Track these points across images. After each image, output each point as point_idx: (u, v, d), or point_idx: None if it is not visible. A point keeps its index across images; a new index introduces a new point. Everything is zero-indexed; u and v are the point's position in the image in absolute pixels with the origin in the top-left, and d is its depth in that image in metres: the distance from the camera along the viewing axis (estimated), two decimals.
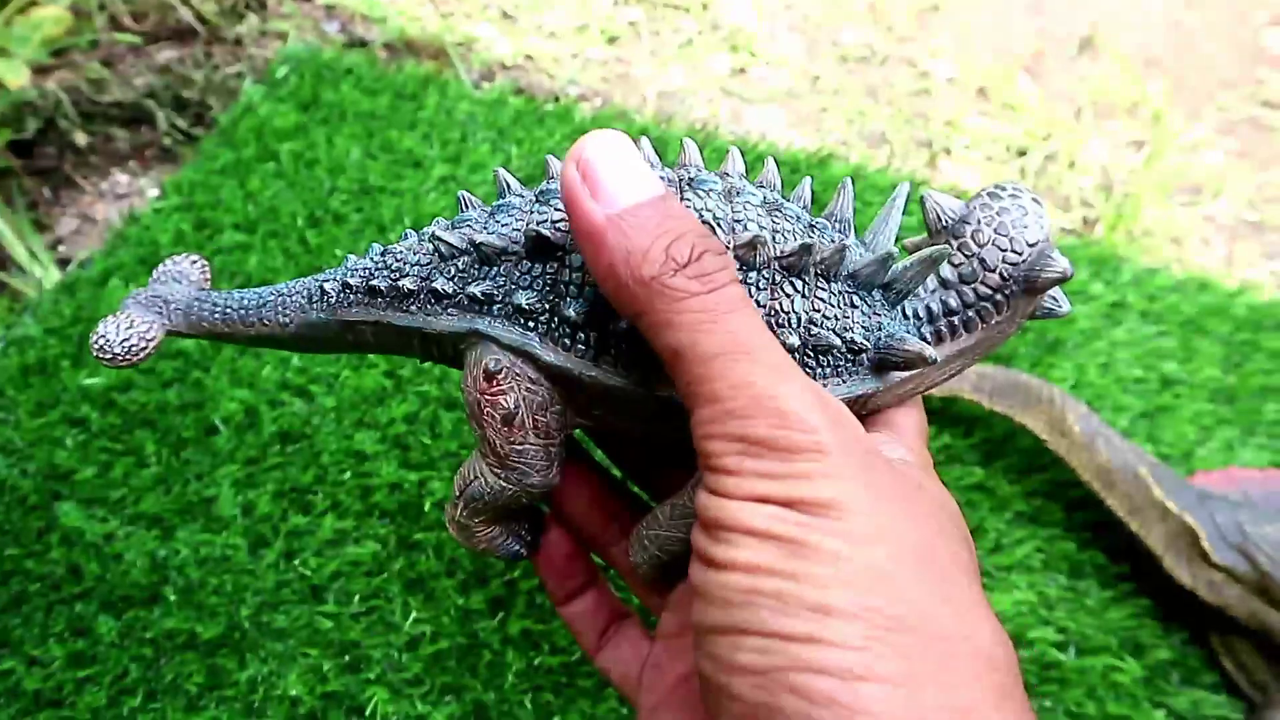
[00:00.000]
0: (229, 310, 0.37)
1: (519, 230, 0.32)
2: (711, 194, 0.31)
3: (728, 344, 0.25)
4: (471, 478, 0.35)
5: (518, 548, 0.39)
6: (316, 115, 0.81)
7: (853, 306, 0.32)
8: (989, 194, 0.33)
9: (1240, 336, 0.74)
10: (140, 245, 0.70)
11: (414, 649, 0.54)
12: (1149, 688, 0.56)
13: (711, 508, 0.26)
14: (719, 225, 0.31)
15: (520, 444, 0.33)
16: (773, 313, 0.31)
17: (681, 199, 0.31)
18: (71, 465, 0.59)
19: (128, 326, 0.35)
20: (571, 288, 0.31)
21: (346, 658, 0.53)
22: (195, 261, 0.39)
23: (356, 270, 0.35)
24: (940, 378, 0.35)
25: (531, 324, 0.32)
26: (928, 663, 0.24)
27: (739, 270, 0.30)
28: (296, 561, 0.56)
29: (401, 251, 0.34)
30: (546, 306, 0.32)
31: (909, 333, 0.33)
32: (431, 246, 0.34)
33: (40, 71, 0.85)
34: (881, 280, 0.32)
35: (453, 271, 0.33)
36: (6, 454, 0.59)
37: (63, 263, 0.75)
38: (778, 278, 0.31)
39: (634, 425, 0.34)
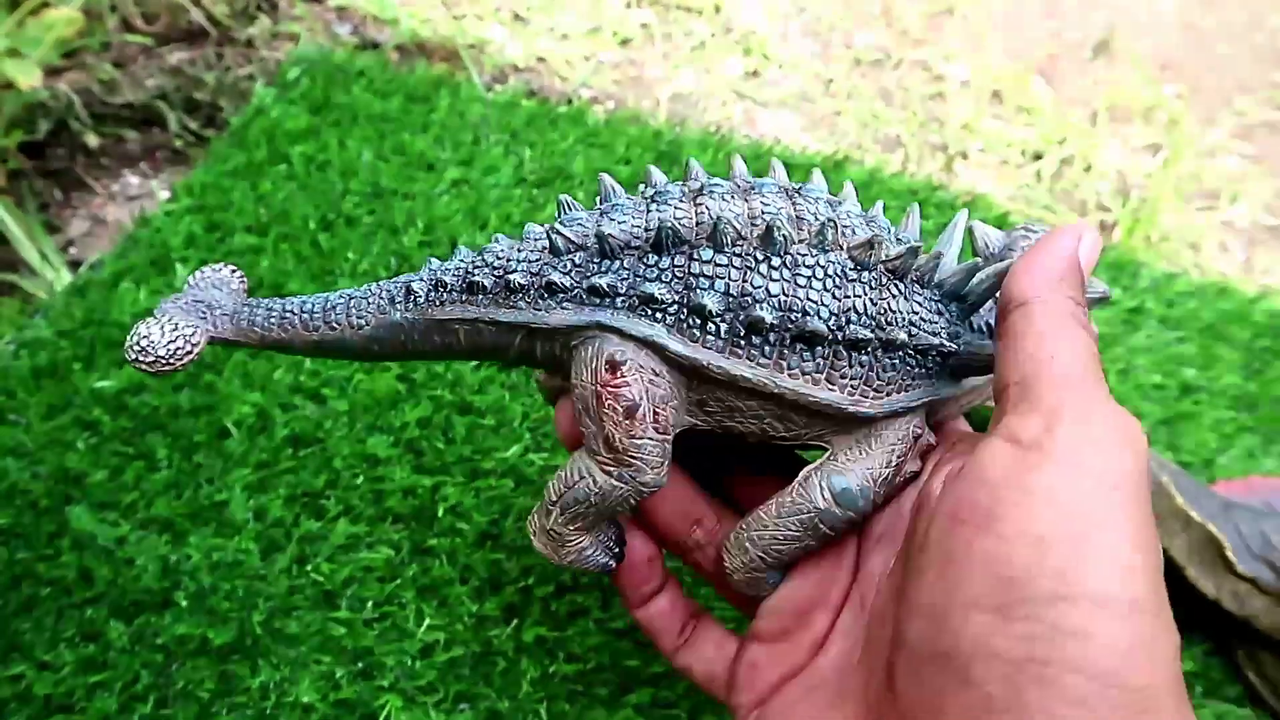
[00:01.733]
0: (288, 314, 0.36)
1: (639, 226, 0.33)
2: (819, 201, 0.34)
3: (1090, 354, 0.29)
4: (576, 478, 0.35)
5: (606, 559, 0.38)
6: (328, 117, 0.80)
7: (939, 315, 0.34)
8: (1025, 228, 0.37)
9: (1261, 343, 0.74)
10: (151, 247, 0.70)
11: (428, 656, 0.53)
12: None
13: (1024, 462, 0.26)
14: (836, 226, 0.33)
15: (640, 438, 0.33)
16: (883, 310, 0.33)
17: (794, 206, 0.33)
18: (83, 468, 0.58)
19: (172, 329, 0.34)
20: (704, 280, 0.32)
21: (359, 665, 0.53)
22: (235, 271, 0.38)
23: (449, 269, 0.35)
24: (990, 393, 0.37)
25: (660, 316, 0.33)
26: (1166, 680, 0.23)
27: (854, 269, 0.33)
28: (309, 567, 0.56)
29: (501, 250, 0.35)
30: (676, 298, 0.32)
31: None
32: (545, 242, 0.34)
33: (52, 73, 0.84)
34: (962, 291, 0.34)
35: (569, 266, 0.33)
36: (18, 457, 0.59)
37: (74, 265, 0.75)
38: (884, 279, 0.33)
39: (746, 422, 0.35)
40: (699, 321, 0.32)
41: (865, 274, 0.33)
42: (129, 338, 0.34)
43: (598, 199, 0.36)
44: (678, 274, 0.32)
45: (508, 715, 0.52)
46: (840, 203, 0.35)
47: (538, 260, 0.34)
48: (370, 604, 0.55)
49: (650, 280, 0.32)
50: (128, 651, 0.52)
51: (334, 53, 0.86)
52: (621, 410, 0.33)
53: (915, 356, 0.34)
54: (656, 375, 0.33)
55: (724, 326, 0.32)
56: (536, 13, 0.99)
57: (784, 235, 0.32)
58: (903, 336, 0.33)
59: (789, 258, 0.32)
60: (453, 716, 0.51)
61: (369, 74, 0.84)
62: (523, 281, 0.33)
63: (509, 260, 0.34)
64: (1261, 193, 0.93)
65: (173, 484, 0.58)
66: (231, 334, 0.36)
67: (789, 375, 0.33)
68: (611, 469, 0.34)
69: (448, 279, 0.34)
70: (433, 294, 0.35)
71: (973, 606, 0.24)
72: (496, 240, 0.35)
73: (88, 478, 0.58)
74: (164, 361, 0.34)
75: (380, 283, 0.36)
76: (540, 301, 0.34)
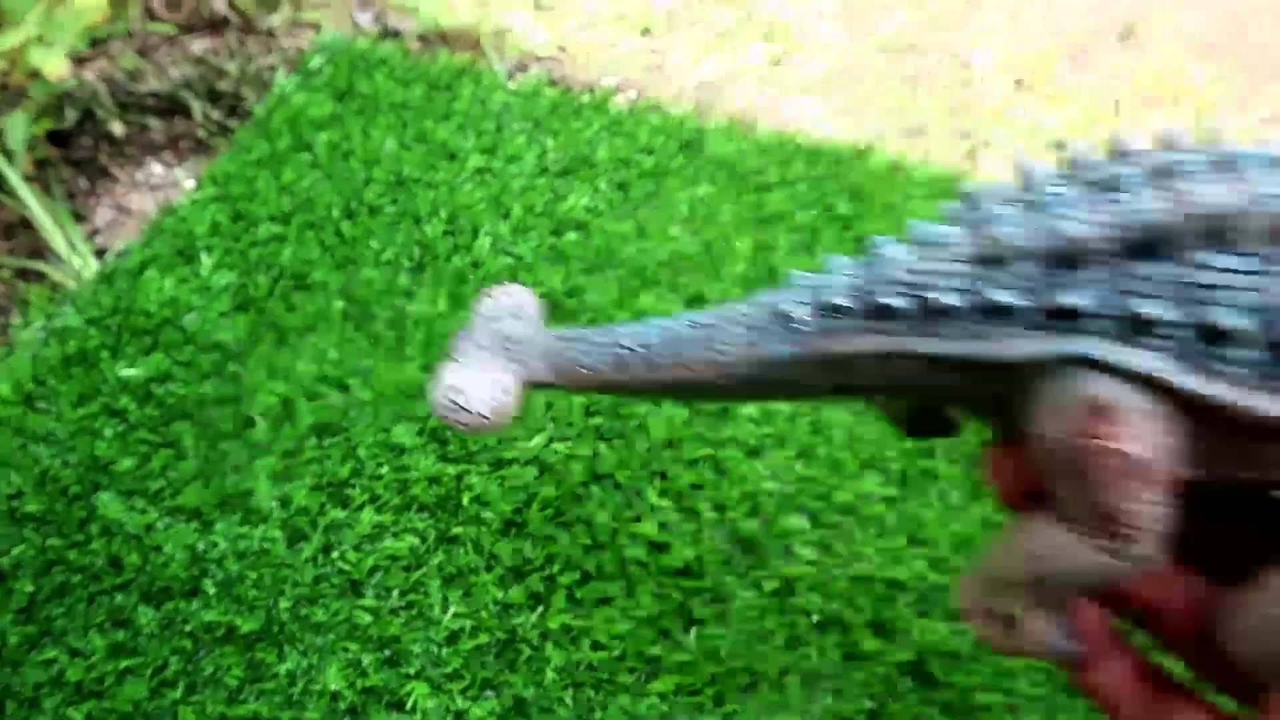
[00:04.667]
0: (624, 352, 0.29)
1: (1103, 222, 0.25)
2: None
3: None
4: (1049, 554, 0.28)
5: (1071, 643, 0.30)
6: (351, 106, 0.80)
7: None
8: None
9: None
10: (177, 236, 0.70)
11: (453, 643, 0.53)
12: None
13: None
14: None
15: (1143, 503, 0.26)
16: None
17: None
18: (111, 456, 0.59)
19: (488, 378, 0.28)
20: (1218, 292, 0.24)
21: (386, 652, 0.53)
22: (529, 291, 0.31)
23: (836, 288, 0.27)
24: None
25: (1160, 342, 0.25)
26: None
27: None
28: (334, 555, 0.56)
29: (901, 258, 0.27)
30: (1182, 318, 0.25)
31: None
32: (970, 249, 0.26)
33: (78, 62, 0.85)
34: None
35: (1012, 280, 0.26)
36: (49, 444, 0.59)
37: (99, 253, 0.75)
38: None
39: (1268, 470, 0.27)
40: (1217, 348, 0.24)
41: None
42: (438, 390, 0.27)
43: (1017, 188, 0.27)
44: (1173, 286, 0.24)
45: (533, 702, 0.52)
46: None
47: (965, 272, 0.26)
48: (396, 592, 0.55)
49: (1141, 296, 0.25)
50: (156, 638, 0.53)
51: (355, 41, 0.86)
52: (1120, 470, 0.25)
53: None
54: (1162, 421, 0.25)
55: (1254, 353, 0.24)
56: (559, 0, 0.99)
57: None
58: None
59: None
60: (478, 703, 0.51)
61: (391, 62, 0.84)
62: (954, 302, 0.26)
63: (920, 273, 0.26)
64: None
65: (200, 472, 0.59)
66: (553, 376, 0.29)
67: None
68: (1102, 542, 0.27)
69: (841, 301, 0.27)
70: (823, 320, 0.27)
71: None
72: (879, 247, 0.27)
73: (116, 465, 0.59)
74: (487, 419, 0.28)
75: (729, 307, 0.29)
76: (982, 328, 0.26)
